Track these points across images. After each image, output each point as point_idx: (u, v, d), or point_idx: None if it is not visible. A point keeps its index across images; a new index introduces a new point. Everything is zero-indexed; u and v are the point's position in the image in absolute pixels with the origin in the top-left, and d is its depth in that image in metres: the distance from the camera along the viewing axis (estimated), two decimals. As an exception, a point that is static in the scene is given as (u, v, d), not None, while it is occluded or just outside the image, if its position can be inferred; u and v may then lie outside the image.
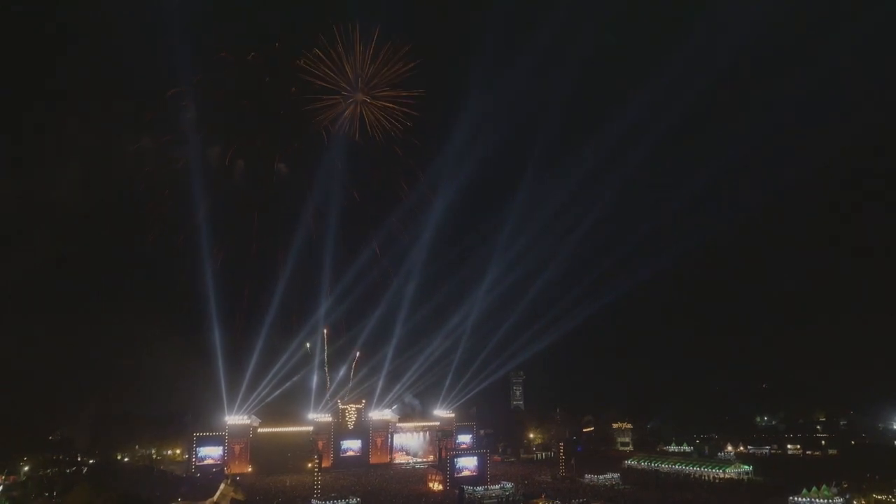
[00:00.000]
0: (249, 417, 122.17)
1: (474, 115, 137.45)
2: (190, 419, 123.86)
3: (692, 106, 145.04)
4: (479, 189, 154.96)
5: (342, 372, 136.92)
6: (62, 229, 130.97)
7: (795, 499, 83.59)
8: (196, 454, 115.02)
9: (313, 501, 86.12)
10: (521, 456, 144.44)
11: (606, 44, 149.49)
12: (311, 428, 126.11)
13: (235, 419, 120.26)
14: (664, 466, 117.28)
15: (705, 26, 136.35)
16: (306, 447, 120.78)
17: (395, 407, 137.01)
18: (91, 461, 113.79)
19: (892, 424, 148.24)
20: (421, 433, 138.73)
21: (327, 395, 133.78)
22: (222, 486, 65.66)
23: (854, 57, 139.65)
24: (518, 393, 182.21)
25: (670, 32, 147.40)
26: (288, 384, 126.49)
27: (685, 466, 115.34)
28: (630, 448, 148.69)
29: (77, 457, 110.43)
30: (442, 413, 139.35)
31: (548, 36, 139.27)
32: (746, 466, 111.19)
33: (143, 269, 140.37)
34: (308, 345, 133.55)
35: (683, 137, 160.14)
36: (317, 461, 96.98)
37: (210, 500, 66.73)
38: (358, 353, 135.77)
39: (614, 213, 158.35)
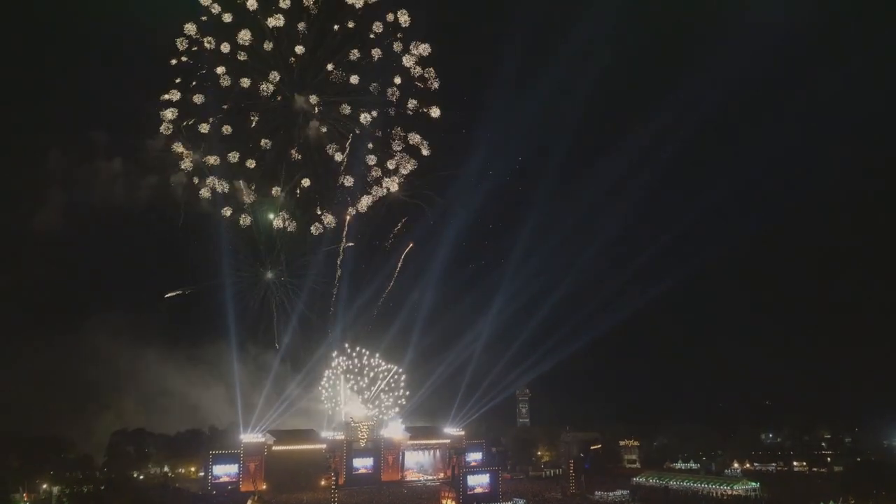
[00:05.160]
0: (264, 436, 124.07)
1: (486, 138, 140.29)
2: (206, 437, 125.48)
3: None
4: (488, 213, 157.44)
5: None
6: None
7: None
8: (212, 472, 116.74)
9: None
10: (531, 473, 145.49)
11: (621, 61, 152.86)
12: (324, 446, 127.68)
13: (250, 437, 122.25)
14: (673, 483, 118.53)
15: (716, 40, 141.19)
16: (320, 465, 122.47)
17: (405, 426, 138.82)
18: (107, 479, 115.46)
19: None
20: (431, 451, 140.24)
21: (340, 413, 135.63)
22: (249, 502, 68.03)
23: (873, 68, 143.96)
24: (524, 410, 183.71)
25: (685, 47, 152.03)
26: (302, 402, 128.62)
27: (694, 483, 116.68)
28: (637, 465, 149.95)
29: (96, 474, 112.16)
30: (452, 430, 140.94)
31: (563, 55, 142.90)
32: (754, 483, 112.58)
33: (157, 286, 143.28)
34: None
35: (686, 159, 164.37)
36: (333, 478, 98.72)
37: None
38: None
39: (620, 235, 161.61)
